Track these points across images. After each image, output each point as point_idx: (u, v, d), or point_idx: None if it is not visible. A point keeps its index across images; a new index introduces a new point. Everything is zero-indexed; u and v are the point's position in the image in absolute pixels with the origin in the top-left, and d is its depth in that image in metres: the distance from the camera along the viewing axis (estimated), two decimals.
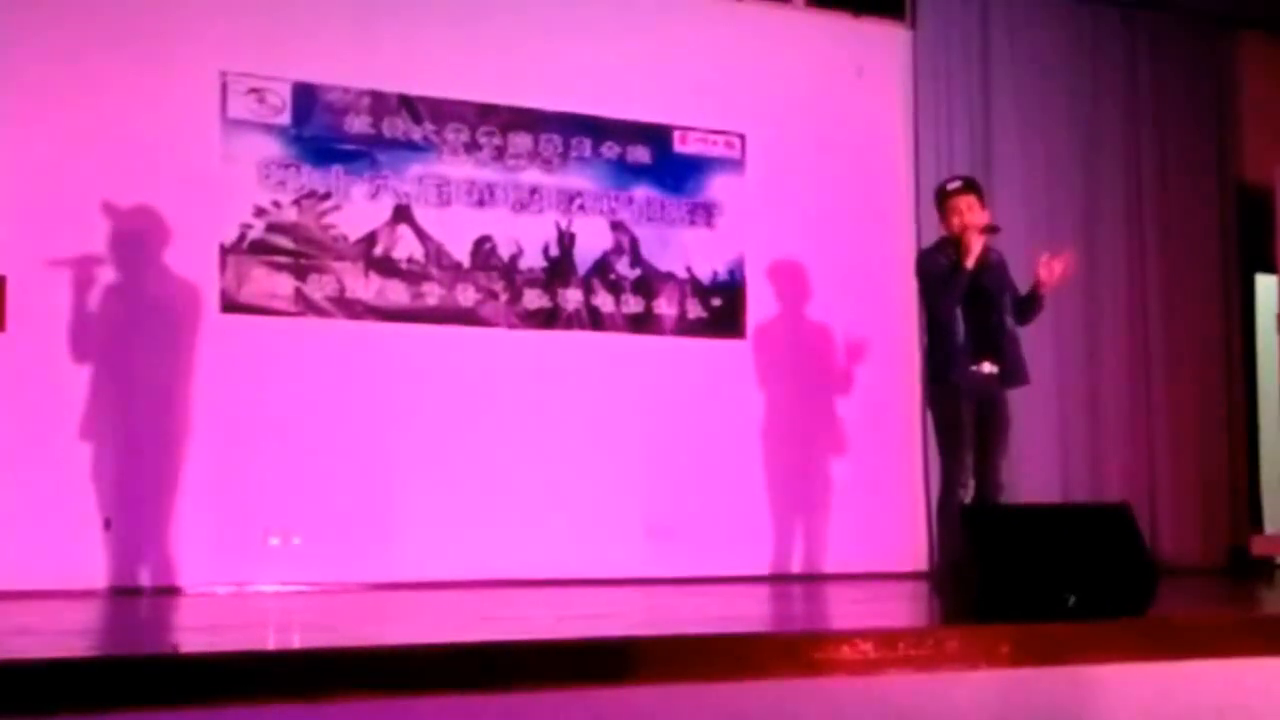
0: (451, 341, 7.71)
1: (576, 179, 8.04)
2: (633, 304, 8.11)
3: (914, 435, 8.46)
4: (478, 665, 3.59)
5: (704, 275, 8.28)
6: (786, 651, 3.92)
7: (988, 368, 6.72)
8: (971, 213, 6.71)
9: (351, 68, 7.58)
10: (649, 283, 8.16)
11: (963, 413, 6.70)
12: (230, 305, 7.28)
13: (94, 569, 6.87)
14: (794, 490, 8.32)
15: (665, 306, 8.18)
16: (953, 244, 6.75)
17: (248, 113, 7.41)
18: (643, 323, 8.13)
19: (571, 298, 7.97)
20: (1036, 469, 8.62)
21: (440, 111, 7.78)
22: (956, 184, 6.89)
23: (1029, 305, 6.91)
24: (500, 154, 7.89)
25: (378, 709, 3.42)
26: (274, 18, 7.45)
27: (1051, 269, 6.77)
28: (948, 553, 6.64)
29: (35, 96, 6.97)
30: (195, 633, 4.98)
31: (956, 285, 6.66)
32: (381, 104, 7.67)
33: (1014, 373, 6.80)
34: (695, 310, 8.25)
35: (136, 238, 7.09)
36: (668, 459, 8.04)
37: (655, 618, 5.47)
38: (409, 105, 7.72)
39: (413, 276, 7.66)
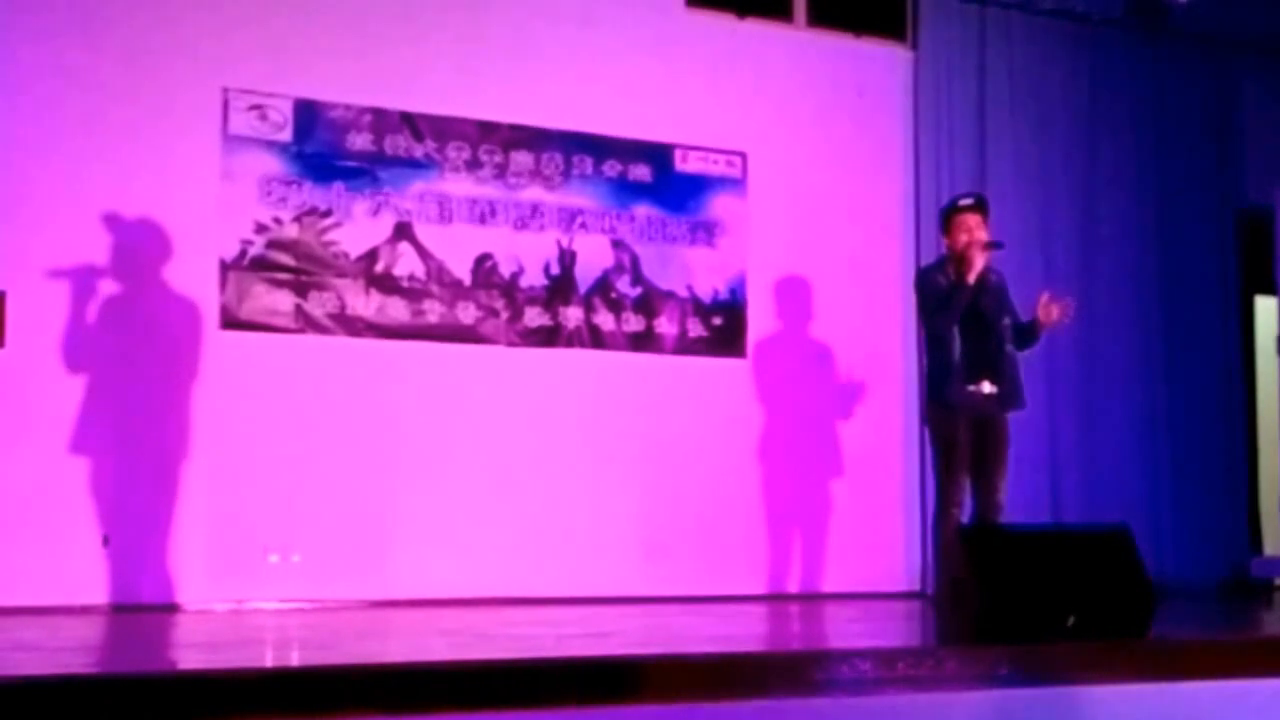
0: (452, 359, 7.70)
1: (578, 197, 8.05)
2: (633, 322, 8.11)
3: (912, 455, 8.46)
4: (477, 684, 3.59)
5: (705, 294, 8.29)
6: (786, 671, 3.92)
7: (987, 388, 6.72)
8: (980, 231, 6.74)
9: (353, 85, 7.59)
10: (650, 301, 8.16)
11: (959, 432, 6.71)
12: (230, 322, 7.28)
13: (93, 585, 6.86)
14: (792, 509, 8.32)
15: (666, 325, 8.19)
16: (953, 262, 6.77)
17: (249, 129, 7.41)
18: (643, 341, 8.13)
19: (572, 316, 7.98)
20: (1034, 489, 8.62)
21: (442, 129, 7.79)
22: (968, 201, 6.91)
23: (1027, 336, 6.93)
24: (501, 172, 7.90)
25: None
26: (276, 35, 7.46)
27: (1049, 311, 6.79)
28: (943, 572, 6.65)
29: (36, 111, 6.98)
30: (194, 650, 4.97)
31: (956, 303, 6.68)
32: (383, 121, 7.68)
33: (1010, 396, 6.81)
34: (696, 329, 8.26)
35: (137, 253, 7.10)
36: (667, 477, 8.04)
37: (654, 637, 5.46)
38: (411, 122, 7.73)
39: (413, 294, 7.66)
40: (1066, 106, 9.19)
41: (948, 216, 6.92)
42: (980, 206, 6.86)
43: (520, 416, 7.78)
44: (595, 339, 8.03)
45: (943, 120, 8.82)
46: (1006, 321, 6.85)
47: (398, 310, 7.62)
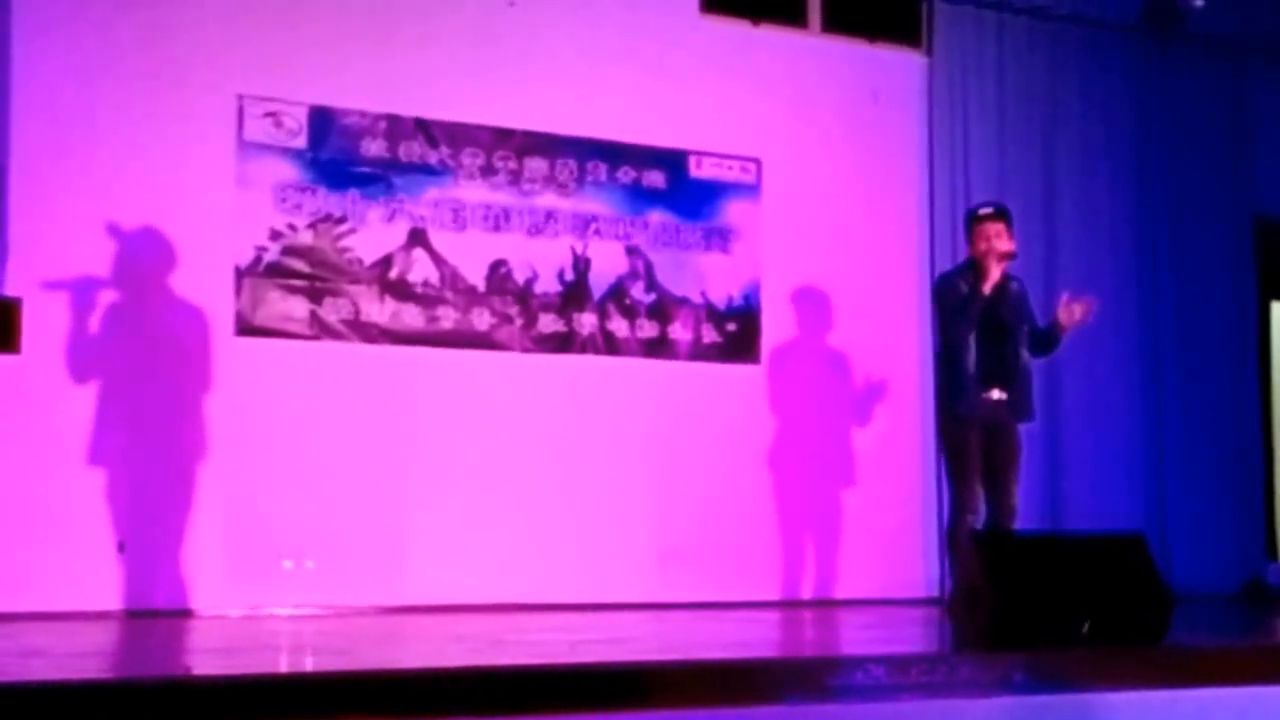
0: (466, 365, 7.71)
1: (592, 203, 8.05)
2: (647, 329, 8.11)
3: (926, 461, 8.44)
4: (491, 690, 3.59)
5: (719, 300, 8.28)
6: (800, 677, 3.92)
7: (997, 394, 6.73)
8: (999, 240, 6.74)
9: (368, 91, 7.60)
10: (664, 307, 8.16)
11: (971, 439, 6.72)
12: (245, 328, 7.29)
13: (108, 591, 6.86)
14: (806, 515, 8.31)
15: (680, 331, 8.18)
16: (973, 269, 6.77)
17: (264, 136, 7.42)
18: (657, 347, 8.13)
19: (586, 322, 7.98)
20: (1049, 496, 8.61)
21: (456, 135, 7.80)
22: (989, 209, 6.94)
23: (1048, 340, 6.93)
24: (516, 178, 7.90)
25: None
26: (291, 41, 7.47)
27: (1071, 312, 6.79)
28: (958, 578, 6.64)
29: (51, 118, 6.99)
30: (208, 655, 4.97)
31: (971, 310, 6.68)
32: (398, 127, 7.69)
33: (1020, 406, 6.82)
34: (710, 335, 8.25)
35: (152, 260, 7.11)
36: (681, 484, 8.03)
37: (668, 643, 5.45)
38: (425, 129, 7.74)
39: (428, 300, 7.66)
40: (1081, 112, 9.17)
41: (969, 224, 6.93)
42: (1001, 215, 6.86)
43: (534, 423, 7.78)
44: (609, 345, 8.03)
45: (957, 126, 8.81)
46: (1025, 329, 6.87)
47: (412, 316, 7.63)
